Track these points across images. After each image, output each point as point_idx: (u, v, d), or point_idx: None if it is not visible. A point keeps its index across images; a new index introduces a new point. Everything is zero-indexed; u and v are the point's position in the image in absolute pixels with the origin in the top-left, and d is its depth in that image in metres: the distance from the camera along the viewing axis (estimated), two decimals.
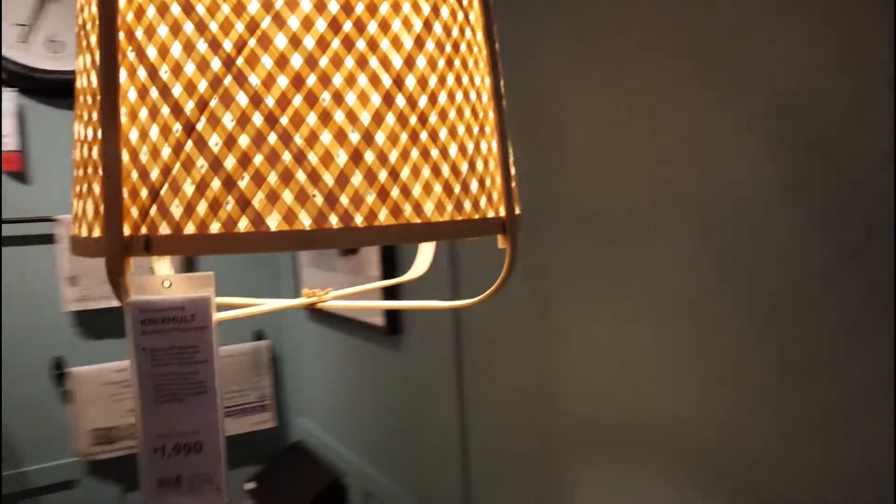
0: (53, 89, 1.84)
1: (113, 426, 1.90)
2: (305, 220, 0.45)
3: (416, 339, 1.38)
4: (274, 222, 0.45)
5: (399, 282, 0.76)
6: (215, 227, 0.45)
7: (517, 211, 0.58)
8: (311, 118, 0.45)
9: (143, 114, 0.47)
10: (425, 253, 0.73)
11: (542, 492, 1.05)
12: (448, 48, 0.50)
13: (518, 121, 1.02)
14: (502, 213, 0.54)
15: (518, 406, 1.09)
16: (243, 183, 0.45)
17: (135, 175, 0.47)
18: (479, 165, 0.53)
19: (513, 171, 0.58)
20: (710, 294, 0.75)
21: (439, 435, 1.31)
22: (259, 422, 2.10)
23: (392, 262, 1.44)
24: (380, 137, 0.47)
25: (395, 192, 0.47)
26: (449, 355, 1.25)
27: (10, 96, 1.79)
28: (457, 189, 0.50)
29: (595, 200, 0.89)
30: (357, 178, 0.46)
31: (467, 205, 0.51)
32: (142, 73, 0.46)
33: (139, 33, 0.46)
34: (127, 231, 0.46)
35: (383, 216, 0.47)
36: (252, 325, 2.13)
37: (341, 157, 0.46)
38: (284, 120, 0.45)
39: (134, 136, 0.47)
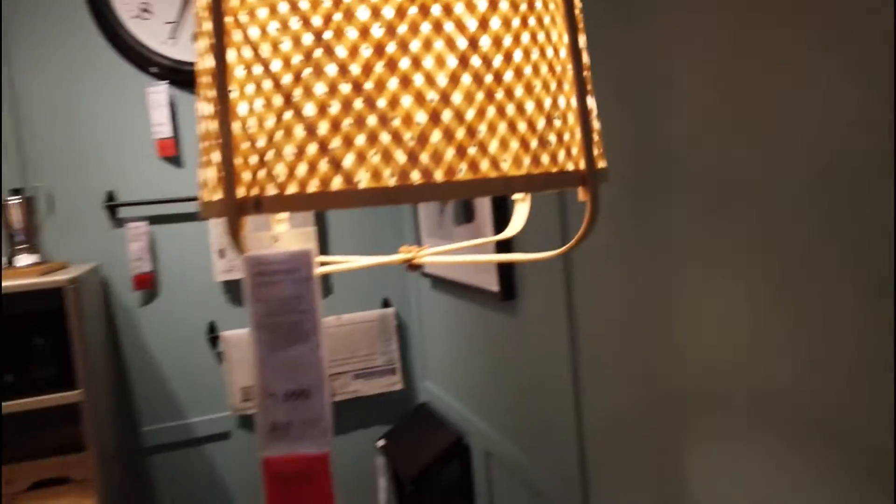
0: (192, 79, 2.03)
1: None
2: (391, 178, 0.49)
3: (530, 304, 1.40)
4: (363, 180, 0.50)
5: (491, 240, 0.79)
6: (313, 186, 0.50)
7: (601, 164, 0.59)
8: (393, 83, 0.49)
9: (250, 89, 0.53)
10: (521, 211, 0.76)
11: (653, 450, 1.05)
12: (523, 7, 0.52)
13: (621, 76, 1.01)
14: (582, 166, 0.56)
15: (630, 368, 1.08)
16: (335, 146, 0.50)
17: (245, 144, 0.53)
18: (557, 120, 0.54)
19: (597, 125, 0.59)
20: (825, 252, 0.71)
21: (554, 397, 1.34)
22: (388, 384, 2.22)
23: (505, 227, 1.46)
24: (456, 97, 0.50)
25: (472, 149, 0.50)
26: (561, 319, 1.27)
27: (163, 88, 1.99)
28: (533, 144, 0.52)
29: (706, 153, 0.87)
30: (436, 137, 0.49)
31: (545, 159, 0.53)
32: (247, 52, 0.52)
33: (243, 17, 0.52)
34: (241, 193, 0.53)
35: (462, 172, 0.50)
36: (380, 293, 2.25)
37: (421, 118, 0.49)
38: (369, 86, 0.49)
39: (243, 109, 0.53)
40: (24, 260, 1.75)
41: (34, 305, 1.77)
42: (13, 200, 1.75)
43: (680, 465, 0.99)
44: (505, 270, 1.47)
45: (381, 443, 2.12)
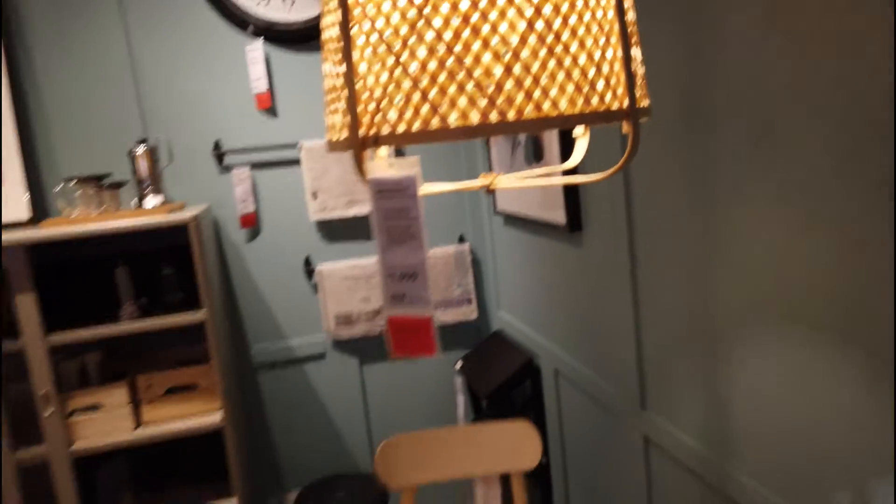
0: (290, 37, 2.22)
1: (350, 312, 2.34)
2: (475, 118, 0.66)
3: (595, 235, 1.55)
4: (453, 121, 0.66)
5: (557, 169, 0.95)
6: (416, 126, 0.68)
7: (644, 103, 0.73)
8: (476, 45, 0.65)
9: (368, 52, 0.70)
10: (580, 147, 0.91)
11: (702, 359, 1.20)
12: None
13: (676, 26, 1.12)
14: (626, 105, 0.70)
15: (682, 287, 1.23)
16: (432, 95, 0.67)
17: (365, 95, 0.71)
18: (605, 68, 0.69)
19: (640, 70, 0.73)
20: (851, 179, 0.83)
21: (616, 318, 1.50)
22: (464, 313, 2.43)
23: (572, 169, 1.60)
24: (524, 53, 0.65)
25: (536, 94, 0.66)
26: (623, 247, 1.41)
27: (259, 46, 2.20)
28: (586, 88, 0.68)
29: (750, 94, 0.99)
30: (509, 85, 0.65)
31: (595, 100, 0.68)
32: (365, 24, 0.69)
33: None
34: (362, 133, 0.71)
35: (528, 111, 0.66)
36: (457, 230, 2.43)
37: (497, 71, 0.65)
38: (458, 48, 0.65)
39: (363, 68, 0.71)
40: (151, 202, 2.02)
41: (163, 240, 2.06)
42: (140, 149, 2.02)
43: (724, 369, 1.14)
44: (571, 204, 1.62)
45: (459, 365, 2.34)
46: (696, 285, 1.18)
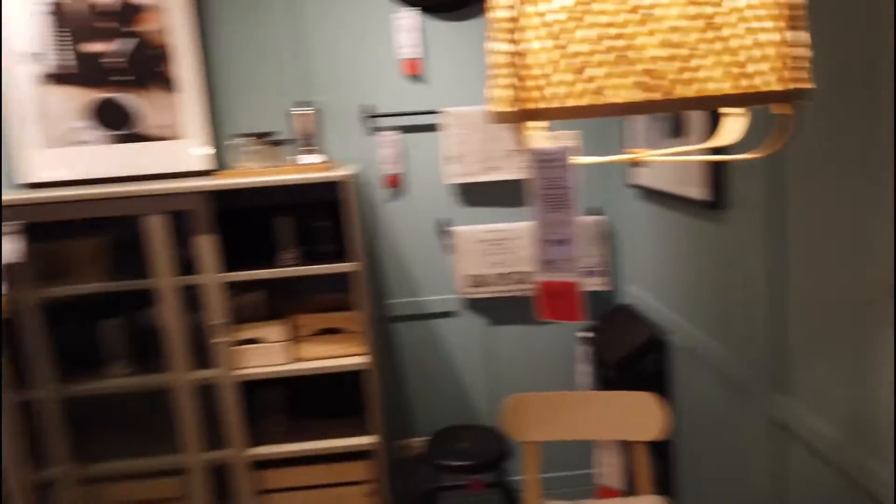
0: (441, 5, 2.31)
1: (482, 274, 2.44)
2: (635, 96, 0.71)
3: (739, 213, 1.53)
4: (613, 97, 0.71)
5: (704, 147, 0.97)
6: (576, 102, 0.73)
7: (804, 85, 0.74)
8: (640, 24, 0.69)
9: (536, 32, 0.76)
10: (731, 124, 0.92)
11: (848, 342, 1.18)
12: None
13: (847, 12, 1.09)
14: (784, 87, 0.72)
15: (831, 267, 1.20)
16: (595, 72, 0.72)
17: (526, 72, 0.77)
18: (769, 50, 0.71)
19: (803, 53, 0.74)
20: None
21: (758, 297, 1.48)
22: (596, 284, 2.46)
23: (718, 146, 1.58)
24: (691, 37, 0.69)
25: (700, 74, 0.69)
26: (768, 225, 1.39)
27: (410, 14, 2.31)
28: (750, 68, 0.70)
29: None
30: (672, 69, 0.69)
31: (757, 80, 0.71)
32: (536, 5, 0.75)
33: None
34: (525, 107, 0.77)
35: (691, 92, 0.70)
36: (594, 202, 2.45)
37: (661, 51, 0.69)
38: (623, 28, 0.70)
39: (526, 48, 0.77)
40: (308, 159, 2.21)
41: (318, 195, 2.25)
42: (300, 110, 2.20)
43: (879, 354, 1.11)
44: (716, 181, 1.60)
45: (584, 334, 2.38)
46: (853, 265, 1.15)
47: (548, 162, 0.77)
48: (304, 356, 2.16)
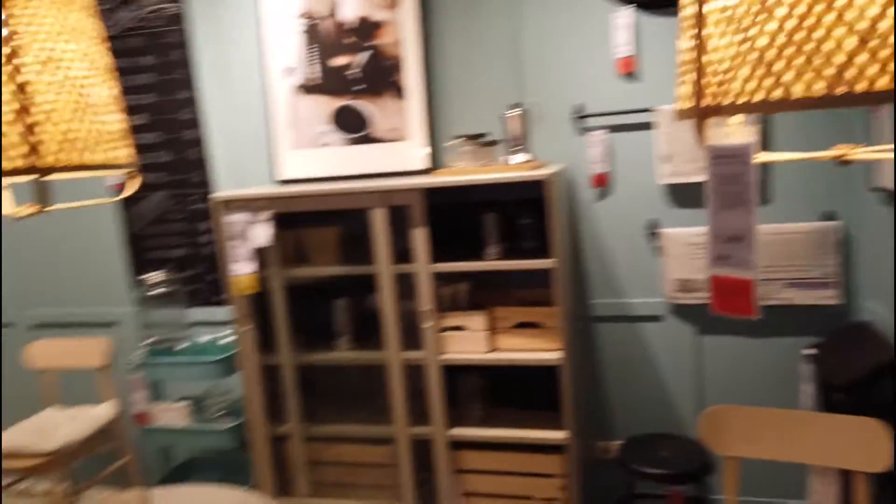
0: (657, 2, 2.25)
1: (691, 278, 2.34)
2: (818, 90, 0.67)
3: None
4: (797, 92, 0.68)
5: None
6: (758, 97, 0.71)
7: None
8: (828, 18, 0.65)
9: (719, 28, 0.75)
10: None
11: None
12: None
13: None
14: None
15: None
16: (778, 67, 0.69)
17: (712, 68, 0.76)
18: None
19: None
20: None
21: None
22: (821, 297, 2.22)
23: None
24: (883, 24, 0.63)
25: (892, 65, 0.64)
26: None
27: (626, 13, 2.28)
28: None
29: None
30: (862, 57, 0.64)
31: None
32: (719, 2, 0.74)
33: None
34: (705, 102, 0.77)
35: (881, 83, 0.64)
36: (822, 206, 2.22)
37: (850, 43, 0.65)
38: (809, 21, 0.67)
39: (713, 44, 0.76)
40: (517, 158, 2.30)
41: (523, 193, 2.33)
42: (513, 112, 2.30)
43: None
44: None
45: (808, 351, 2.17)
46: None
47: (727, 158, 0.76)
48: (501, 347, 2.25)
